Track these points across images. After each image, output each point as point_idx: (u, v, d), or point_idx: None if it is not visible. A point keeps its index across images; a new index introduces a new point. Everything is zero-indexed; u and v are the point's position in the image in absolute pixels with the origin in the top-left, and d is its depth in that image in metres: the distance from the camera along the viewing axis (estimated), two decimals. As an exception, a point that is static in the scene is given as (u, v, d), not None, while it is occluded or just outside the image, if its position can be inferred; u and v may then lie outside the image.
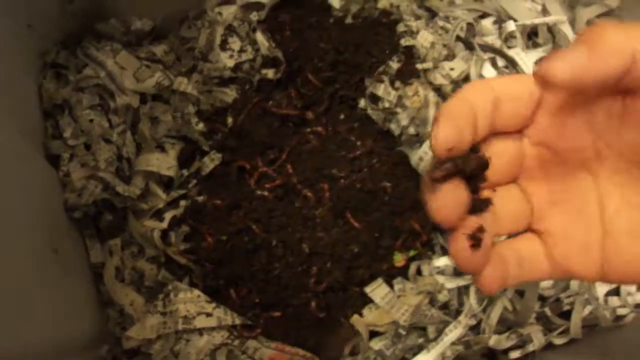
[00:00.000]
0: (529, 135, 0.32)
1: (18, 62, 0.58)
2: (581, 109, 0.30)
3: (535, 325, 0.60)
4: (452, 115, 0.29)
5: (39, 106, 0.60)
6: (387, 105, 0.59)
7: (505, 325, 0.61)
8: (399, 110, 0.59)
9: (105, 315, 0.60)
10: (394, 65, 0.60)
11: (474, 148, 0.31)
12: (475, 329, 0.60)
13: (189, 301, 0.56)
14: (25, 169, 0.54)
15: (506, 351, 0.61)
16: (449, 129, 0.28)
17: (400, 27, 0.63)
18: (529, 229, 0.33)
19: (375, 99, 0.60)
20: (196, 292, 0.56)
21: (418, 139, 0.59)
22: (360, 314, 0.58)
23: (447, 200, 0.29)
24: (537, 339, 0.60)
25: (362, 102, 0.61)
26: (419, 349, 0.59)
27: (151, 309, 0.56)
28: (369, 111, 0.60)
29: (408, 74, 0.60)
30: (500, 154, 0.32)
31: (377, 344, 0.58)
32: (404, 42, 0.61)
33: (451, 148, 0.28)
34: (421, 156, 0.59)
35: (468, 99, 0.30)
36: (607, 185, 0.31)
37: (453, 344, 0.58)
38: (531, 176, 0.33)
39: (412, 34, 0.62)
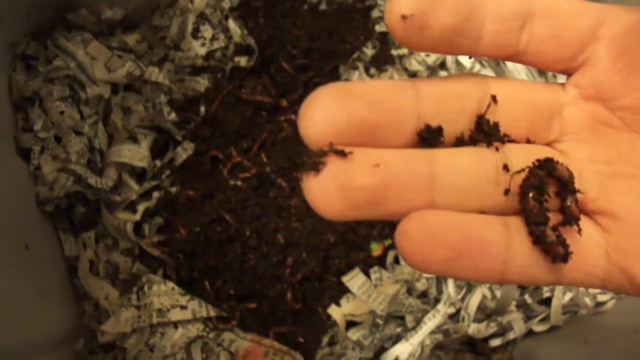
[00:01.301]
0: (578, 83, 0.24)
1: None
2: None
3: (515, 313, 0.60)
4: None
5: (9, 99, 0.59)
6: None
7: (485, 313, 0.60)
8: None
9: (81, 309, 0.59)
10: (369, 51, 0.59)
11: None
12: (455, 317, 0.59)
13: (163, 294, 0.55)
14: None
15: (486, 339, 0.60)
16: None
17: (375, 13, 0.62)
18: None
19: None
20: (170, 284, 0.55)
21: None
22: (338, 304, 0.58)
23: (319, 117, 0.21)
24: (518, 326, 0.60)
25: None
26: (397, 338, 0.58)
27: (125, 303, 0.55)
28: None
29: (383, 60, 0.59)
30: (522, 101, 0.24)
31: (354, 334, 0.58)
32: (378, 28, 0.61)
33: (406, 16, 0.21)
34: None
35: None
36: None
37: (432, 332, 0.58)
38: (578, 138, 0.24)
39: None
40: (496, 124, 0.23)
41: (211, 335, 0.55)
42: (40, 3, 0.60)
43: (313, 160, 0.20)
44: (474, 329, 0.59)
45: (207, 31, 0.60)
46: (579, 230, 0.22)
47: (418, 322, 0.58)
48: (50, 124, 0.58)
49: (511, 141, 0.24)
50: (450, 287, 0.59)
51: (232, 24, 0.60)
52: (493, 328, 0.59)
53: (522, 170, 0.23)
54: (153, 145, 0.59)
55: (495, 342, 0.60)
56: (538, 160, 0.23)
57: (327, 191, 0.20)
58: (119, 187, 0.58)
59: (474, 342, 0.61)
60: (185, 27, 0.60)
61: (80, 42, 0.60)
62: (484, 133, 0.23)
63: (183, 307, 0.55)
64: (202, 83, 0.60)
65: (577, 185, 0.23)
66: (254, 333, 0.56)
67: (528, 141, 0.24)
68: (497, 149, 0.23)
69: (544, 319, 0.61)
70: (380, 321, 0.57)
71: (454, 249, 0.21)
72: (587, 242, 0.22)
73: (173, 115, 0.59)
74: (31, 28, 0.61)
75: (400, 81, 0.23)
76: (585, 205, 0.23)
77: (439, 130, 0.23)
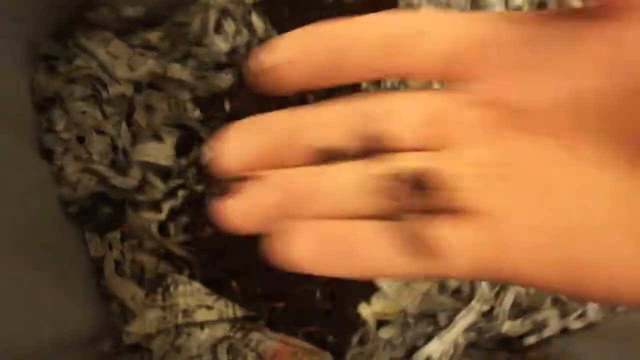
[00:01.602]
0: (472, 89, 0.24)
1: (7, 57, 0.56)
2: (557, 44, 0.22)
3: (550, 310, 0.58)
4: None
5: (31, 100, 0.59)
6: (389, 85, 0.57)
7: (519, 310, 0.58)
8: (402, 89, 0.57)
9: (107, 310, 0.58)
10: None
11: None
12: (489, 315, 0.58)
13: (189, 294, 0.54)
14: (17, 165, 0.53)
15: (521, 337, 0.59)
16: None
17: (402, 3, 0.60)
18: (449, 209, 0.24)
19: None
20: (196, 284, 0.55)
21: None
22: (368, 303, 0.56)
23: (231, 148, 0.24)
24: (553, 323, 0.58)
25: (364, 83, 0.59)
26: (429, 337, 0.57)
27: (151, 303, 0.55)
28: (371, 90, 0.58)
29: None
30: (417, 109, 0.24)
31: (385, 333, 0.56)
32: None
33: (268, 69, 0.24)
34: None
35: (336, 34, 0.24)
36: (588, 161, 0.22)
37: (465, 331, 0.56)
38: (469, 141, 0.24)
39: (413, 7, 0.60)
40: (387, 134, 0.25)
41: (238, 335, 0.54)
42: (60, 3, 0.59)
43: (224, 187, 0.24)
44: (508, 326, 0.57)
45: (230, 26, 0.59)
46: (451, 227, 0.23)
47: (451, 320, 0.57)
48: (73, 124, 0.58)
49: (401, 150, 0.25)
50: (483, 283, 0.57)
51: (255, 18, 0.59)
52: (528, 325, 0.58)
53: (396, 175, 0.24)
54: (177, 143, 0.58)
55: (530, 340, 0.59)
56: (411, 166, 0.24)
57: (239, 212, 0.24)
58: (144, 186, 0.58)
59: (509, 341, 0.59)
60: (207, 23, 0.59)
61: (101, 41, 0.59)
62: (376, 145, 0.25)
63: (209, 308, 0.54)
64: (226, 79, 0.59)
65: (453, 185, 0.23)
66: (282, 333, 0.55)
67: (418, 149, 0.25)
68: (382, 159, 0.24)
69: (581, 316, 0.59)
70: (411, 320, 0.56)
71: (331, 253, 0.23)
72: (458, 238, 0.23)
73: (197, 113, 0.58)
74: (52, 28, 0.61)
75: (300, 109, 0.25)
76: (460, 203, 0.24)
77: (334, 149, 0.25)
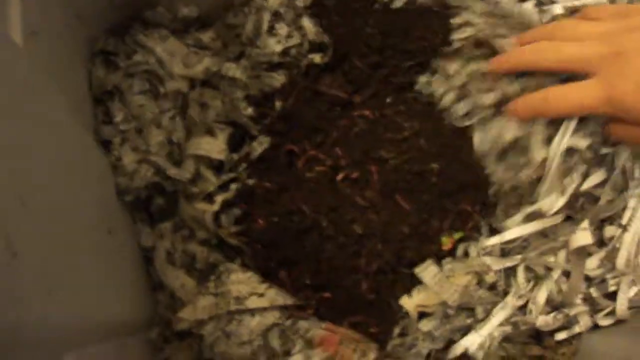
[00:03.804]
0: None
1: (67, 51, 0.58)
2: None
3: (581, 306, 0.61)
4: None
5: (89, 93, 0.61)
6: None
7: (551, 306, 0.61)
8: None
9: (155, 299, 0.60)
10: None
11: None
12: (523, 310, 0.60)
13: (241, 282, 0.57)
14: (78, 151, 0.55)
15: (552, 333, 0.61)
16: None
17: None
18: None
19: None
20: (248, 273, 0.57)
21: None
22: (410, 295, 0.59)
23: None
24: (583, 320, 0.60)
25: (422, 79, 0.61)
26: (467, 329, 0.59)
27: (203, 291, 0.57)
28: (424, 91, 0.61)
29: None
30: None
31: (426, 325, 0.59)
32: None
33: None
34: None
35: None
36: None
37: (501, 324, 0.59)
38: None
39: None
40: None
41: (287, 323, 0.57)
42: (119, 1, 0.62)
43: None
44: (541, 321, 0.59)
45: (282, 29, 0.62)
46: None
47: (488, 313, 0.59)
48: (131, 116, 0.60)
49: None
50: (519, 278, 0.59)
51: (306, 22, 0.62)
52: (560, 320, 0.60)
53: None
54: (230, 139, 0.61)
55: (561, 336, 0.61)
56: None
57: None
58: (197, 179, 0.60)
59: (541, 336, 0.61)
60: (260, 25, 0.62)
61: (158, 38, 0.62)
62: None
63: (261, 295, 0.56)
64: (278, 79, 0.61)
65: None
66: (329, 322, 0.57)
67: None
68: None
69: (610, 313, 0.61)
70: (451, 312, 0.58)
71: None
72: None
73: (249, 110, 0.61)
74: (109, 26, 0.63)
75: None
76: None
77: None
